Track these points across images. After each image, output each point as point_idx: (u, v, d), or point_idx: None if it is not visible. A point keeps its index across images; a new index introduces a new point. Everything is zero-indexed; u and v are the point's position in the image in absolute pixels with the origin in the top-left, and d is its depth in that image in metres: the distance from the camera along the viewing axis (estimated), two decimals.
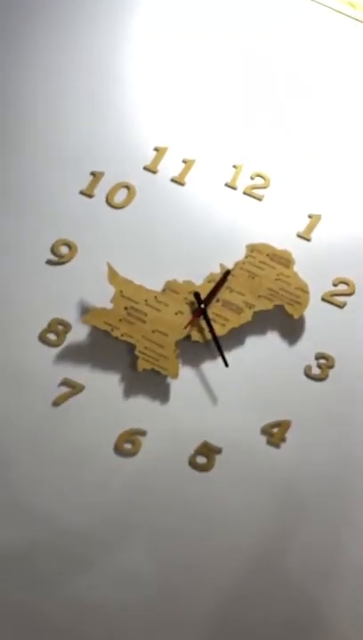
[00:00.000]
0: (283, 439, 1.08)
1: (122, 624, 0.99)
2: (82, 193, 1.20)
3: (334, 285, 1.17)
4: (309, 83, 1.32)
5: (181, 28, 1.34)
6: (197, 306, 1.10)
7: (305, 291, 1.13)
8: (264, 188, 1.23)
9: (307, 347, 1.13)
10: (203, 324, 1.10)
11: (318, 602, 1.02)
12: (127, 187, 1.21)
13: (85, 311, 1.10)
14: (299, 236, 1.20)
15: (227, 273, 1.13)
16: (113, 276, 1.11)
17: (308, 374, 1.12)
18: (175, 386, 1.09)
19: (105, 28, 1.33)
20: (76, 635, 0.99)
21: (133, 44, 1.33)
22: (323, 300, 1.16)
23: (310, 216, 1.22)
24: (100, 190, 1.20)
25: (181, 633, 1.00)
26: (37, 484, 1.03)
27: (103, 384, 1.09)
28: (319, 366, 1.12)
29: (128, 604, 1.00)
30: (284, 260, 1.15)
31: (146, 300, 1.10)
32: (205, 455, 1.06)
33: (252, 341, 1.13)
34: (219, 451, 1.06)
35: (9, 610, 0.99)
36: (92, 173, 1.21)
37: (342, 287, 1.17)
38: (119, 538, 1.03)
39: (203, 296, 1.10)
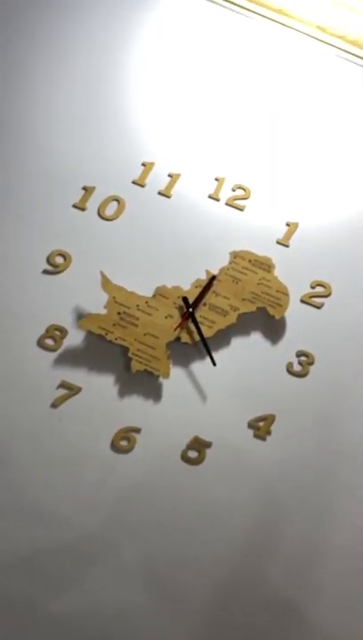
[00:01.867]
0: (268, 432, 1.11)
1: (122, 617, 1.01)
2: (75, 206, 1.21)
3: (312, 288, 1.21)
4: (286, 101, 1.36)
5: (168, 53, 1.36)
6: (185, 310, 1.12)
7: (285, 293, 1.16)
8: (245, 198, 1.26)
9: (288, 345, 1.16)
10: (191, 326, 1.12)
11: (304, 587, 1.05)
12: (117, 200, 1.22)
13: (81, 317, 1.12)
14: (278, 242, 1.23)
15: (213, 278, 1.15)
16: (106, 283, 1.13)
17: (290, 371, 1.15)
18: (167, 385, 1.11)
19: (97, 52, 1.34)
20: (78, 629, 1.00)
21: (123, 68, 1.34)
22: (302, 301, 1.19)
23: (288, 224, 1.25)
24: (92, 203, 1.21)
25: (178, 623, 1.02)
26: (38, 483, 1.04)
27: (99, 385, 1.10)
28: (300, 363, 1.16)
29: (127, 597, 1.01)
30: (265, 265, 1.18)
31: (138, 305, 1.12)
32: (196, 449, 1.09)
33: (237, 342, 1.16)
34: (209, 445, 1.09)
35: (11, 607, 1.00)
36: (85, 188, 1.22)
37: (319, 289, 1.21)
38: (117, 532, 1.04)
39: (191, 300, 1.13)
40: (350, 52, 1.39)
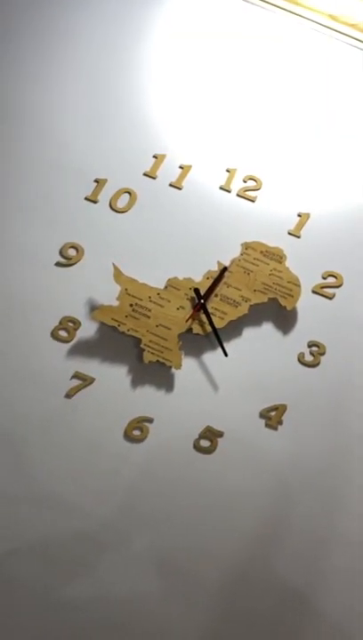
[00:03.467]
0: (280, 422, 1.12)
1: (133, 604, 1.03)
2: (87, 199, 1.21)
3: (324, 278, 1.21)
4: (297, 91, 1.35)
5: (179, 46, 1.36)
6: (197, 301, 1.13)
7: (297, 284, 1.16)
8: (256, 189, 1.26)
9: (300, 336, 1.17)
10: (203, 317, 1.13)
11: (313, 576, 1.06)
12: (129, 192, 1.23)
13: (93, 309, 1.13)
14: (290, 233, 1.23)
15: (224, 270, 1.16)
16: (118, 275, 1.14)
17: (301, 361, 1.15)
18: (179, 376, 1.13)
19: (110, 45, 1.34)
20: (90, 615, 1.02)
21: (135, 61, 1.34)
22: (313, 292, 1.20)
23: (299, 215, 1.25)
24: (104, 196, 1.22)
25: (188, 611, 1.03)
26: (52, 472, 1.06)
27: (112, 376, 1.12)
28: (312, 353, 1.16)
29: (138, 585, 1.03)
30: (276, 256, 1.18)
31: (149, 297, 1.13)
32: (209, 439, 1.10)
33: (249, 332, 1.17)
34: (221, 434, 1.10)
35: (25, 593, 1.02)
36: (96, 180, 1.23)
37: (330, 280, 1.21)
38: (130, 521, 1.06)
39: (202, 292, 1.13)
40: (361, 41, 1.37)
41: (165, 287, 1.15)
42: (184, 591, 1.04)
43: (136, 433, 1.09)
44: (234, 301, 1.15)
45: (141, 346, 1.10)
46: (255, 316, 1.16)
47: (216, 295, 1.15)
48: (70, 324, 1.14)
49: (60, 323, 1.14)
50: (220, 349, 1.12)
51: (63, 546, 1.04)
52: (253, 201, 1.26)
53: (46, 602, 1.02)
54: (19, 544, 1.04)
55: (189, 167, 1.26)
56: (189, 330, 1.13)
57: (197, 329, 1.13)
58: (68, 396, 1.10)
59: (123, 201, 1.23)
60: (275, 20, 1.40)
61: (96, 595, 1.03)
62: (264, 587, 1.05)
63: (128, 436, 1.09)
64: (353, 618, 1.05)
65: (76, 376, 1.11)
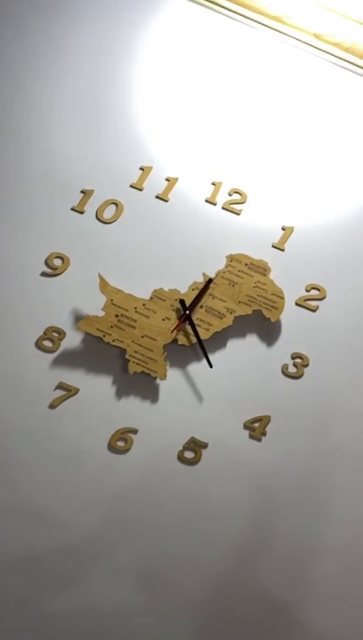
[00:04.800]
0: (264, 433, 1.13)
1: (119, 615, 1.02)
2: (73, 209, 1.22)
3: (307, 291, 1.22)
4: (282, 107, 1.37)
5: (168, 59, 1.37)
6: (182, 312, 1.14)
7: (281, 296, 1.18)
8: (241, 203, 1.27)
9: (283, 347, 1.18)
10: (188, 328, 1.13)
11: (297, 584, 1.06)
12: (115, 203, 1.23)
13: (79, 319, 1.13)
14: (274, 246, 1.25)
15: (209, 281, 1.17)
16: (104, 285, 1.14)
17: (285, 373, 1.17)
18: (164, 387, 1.13)
19: (98, 56, 1.35)
20: (76, 627, 1.01)
21: (123, 73, 1.35)
22: (297, 304, 1.21)
23: (283, 228, 1.26)
24: (91, 207, 1.22)
25: (175, 621, 1.03)
26: (36, 482, 1.06)
27: (97, 387, 1.12)
28: (295, 365, 1.17)
29: (124, 595, 1.03)
30: (261, 268, 1.19)
31: (135, 308, 1.13)
32: (193, 450, 1.10)
33: (233, 344, 1.18)
34: (205, 445, 1.10)
35: (10, 605, 1.00)
36: (83, 191, 1.23)
37: (314, 292, 1.22)
38: (115, 531, 1.05)
39: (188, 303, 1.14)
40: (345, 60, 1.41)
41: (151, 298, 1.16)
42: (169, 601, 1.04)
43: (120, 444, 1.09)
44: (219, 313, 1.16)
45: (127, 356, 1.11)
46: (240, 327, 1.17)
47: (201, 306, 1.16)
48: (55, 334, 1.14)
49: (45, 333, 1.14)
50: (205, 360, 1.13)
51: (46, 557, 1.03)
52: (238, 214, 1.27)
53: (30, 614, 1.01)
54: (0, 555, 1.02)
55: (176, 180, 1.27)
56: (175, 341, 1.13)
57: (182, 340, 1.14)
58: (53, 406, 1.10)
59: (109, 212, 1.23)
60: (260, 37, 1.43)
61: (80, 606, 1.02)
62: (249, 596, 1.06)
63: (112, 447, 1.09)
64: (338, 626, 1.06)
65: (61, 386, 1.11)
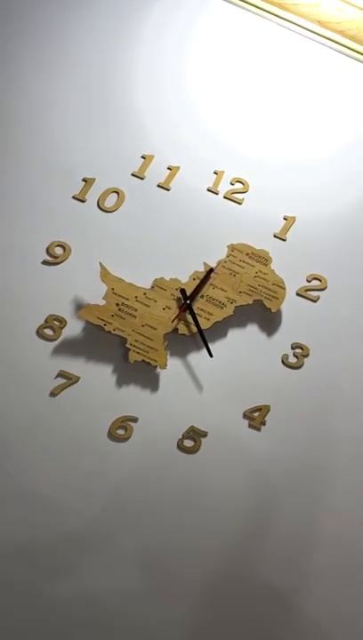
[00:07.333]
0: (263, 423, 1.13)
1: (118, 603, 1.03)
2: (75, 198, 1.22)
3: (308, 281, 1.22)
4: (285, 95, 1.37)
5: (169, 47, 1.36)
6: (183, 301, 1.14)
7: (282, 286, 1.18)
8: (243, 192, 1.27)
9: (284, 338, 1.18)
10: (189, 318, 1.14)
11: (295, 574, 1.07)
12: (117, 192, 1.23)
13: (80, 307, 1.13)
14: (275, 236, 1.25)
15: (210, 271, 1.17)
16: (105, 274, 1.14)
17: (285, 363, 1.17)
18: (164, 376, 1.13)
19: (99, 45, 1.35)
20: (75, 615, 1.02)
21: (125, 62, 1.34)
22: (298, 294, 1.21)
23: (285, 218, 1.26)
24: (92, 195, 1.22)
25: (173, 610, 1.03)
26: (37, 471, 1.06)
27: (97, 375, 1.12)
28: (295, 355, 1.17)
29: (123, 584, 1.03)
30: (262, 258, 1.19)
31: (136, 297, 1.13)
32: (193, 438, 1.10)
33: (234, 333, 1.18)
34: (205, 434, 1.11)
35: (11, 593, 1.01)
36: (85, 180, 1.23)
37: (315, 283, 1.22)
38: (114, 519, 1.06)
39: (188, 292, 1.14)
40: (349, 47, 1.39)
41: (152, 287, 1.16)
42: (168, 591, 1.04)
43: (120, 432, 1.10)
44: (219, 302, 1.16)
45: (127, 345, 1.11)
46: (240, 317, 1.17)
47: (202, 296, 1.16)
48: (56, 323, 1.14)
49: (46, 321, 1.14)
50: (205, 350, 1.13)
51: (47, 545, 1.04)
52: (239, 203, 1.27)
53: (30, 601, 1.02)
54: (1, 543, 1.03)
55: (178, 168, 1.27)
56: (175, 330, 1.13)
57: (182, 329, 1.14)
58: (53, 394, 1.10)
59: (111, 200, 1.23)
60: (263, 24, 1.42)
61: (80, 594, 1.03)
62: (248, 586, 1.06)
63: (112, 435, 1.09)
64: (336, 617, 1.06)
65: (62, 374, 1.11)
